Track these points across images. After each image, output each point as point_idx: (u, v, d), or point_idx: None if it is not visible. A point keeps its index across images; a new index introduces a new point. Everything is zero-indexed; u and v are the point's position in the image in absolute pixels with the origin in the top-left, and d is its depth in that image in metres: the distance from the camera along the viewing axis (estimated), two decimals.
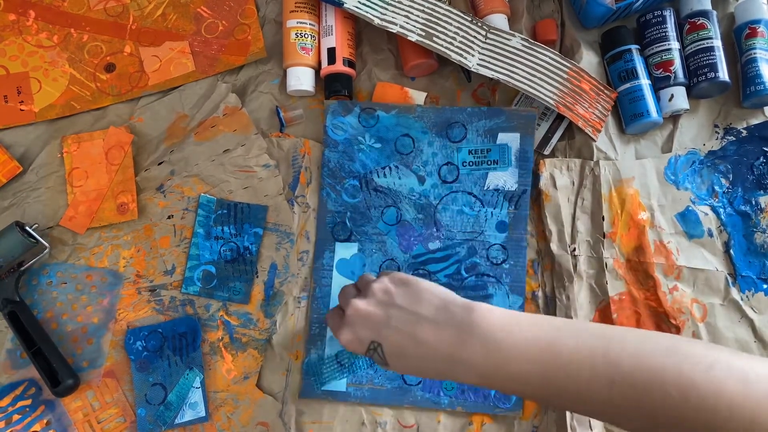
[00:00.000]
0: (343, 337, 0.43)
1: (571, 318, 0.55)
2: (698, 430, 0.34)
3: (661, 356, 0.35)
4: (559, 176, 0.58)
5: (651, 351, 0.35)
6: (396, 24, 0.59)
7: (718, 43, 0.58)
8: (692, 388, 0.33)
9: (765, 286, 0.56)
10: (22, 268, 0.56)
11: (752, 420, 0.32)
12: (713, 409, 0.33)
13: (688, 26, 0.59)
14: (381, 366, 0.43)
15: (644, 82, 0.58)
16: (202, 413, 0.54)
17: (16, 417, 0.55)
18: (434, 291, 0.43)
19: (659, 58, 0.59)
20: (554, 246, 0.56)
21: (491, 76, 0.58)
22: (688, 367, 0.34)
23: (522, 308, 0.55)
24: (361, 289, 0.46)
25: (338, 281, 0.57)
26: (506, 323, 0.39)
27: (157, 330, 0.56)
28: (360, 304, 0.43)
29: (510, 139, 0.58)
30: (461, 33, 0.59)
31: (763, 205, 0.57)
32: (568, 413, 0.52)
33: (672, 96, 0.58)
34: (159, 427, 0.54)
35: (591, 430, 0.52)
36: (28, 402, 0.55)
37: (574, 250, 0.56)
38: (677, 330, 0.54)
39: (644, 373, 0.35)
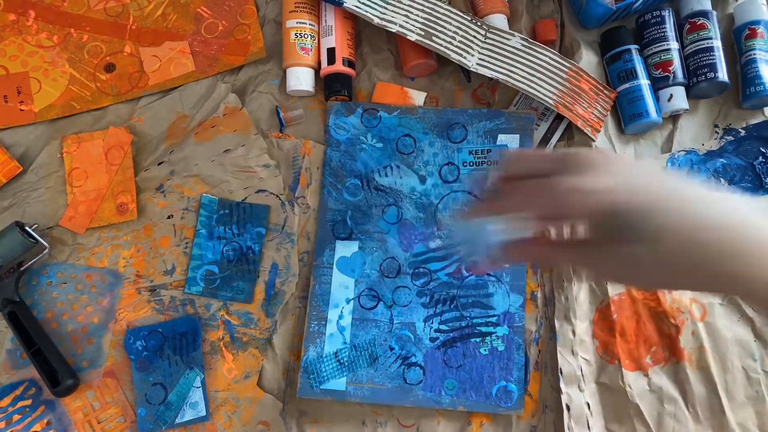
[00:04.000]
0: None
1: (569, 317, 0.55)
2: None
3: None
4: None
5: None
6: (395, 23, 0.59)
7: (717, 43, 0.58)
8: None
9: None
10: (22, 268, 0.56)
11: None
12: None
13: (689, 26, 0.59)
14: None
15: (643, 82, 0.58)
16: (203, 413, 0.54)
17: (16, 417, 0.55)
18: None
19: (658, 59, 0.59)
20: None
21: (491, 76, 0.58)
22: None
23: (522, 307, 0.55)
24: None
25: (338, 279, 0.57)
26: None
27: (157, 330, 0.56)
28: None
29: (509, 140, 0.58)
30: (461, 33, 0.59)
31: None
32: (565, 412, 0.52)
33: (671, 96, 0.58)
34: (159, 427, 0.54)
35: (589, 429, 0.52)
36: (28, 402, 0.55)
37: None
38: (677, 330, 0.54)
39: None
